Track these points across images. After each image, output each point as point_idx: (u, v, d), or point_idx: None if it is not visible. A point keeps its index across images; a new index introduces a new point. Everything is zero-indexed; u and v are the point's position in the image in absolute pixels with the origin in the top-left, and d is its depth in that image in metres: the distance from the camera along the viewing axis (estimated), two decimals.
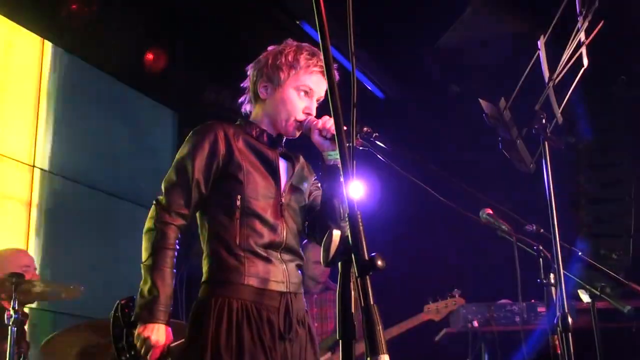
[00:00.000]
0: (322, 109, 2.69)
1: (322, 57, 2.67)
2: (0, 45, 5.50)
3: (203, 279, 2.65)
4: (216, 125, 2.70)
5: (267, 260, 2.60)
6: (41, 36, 5.77)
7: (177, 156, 2.70)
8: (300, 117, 2.71)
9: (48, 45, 5.83)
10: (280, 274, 2.62)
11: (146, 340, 2.50)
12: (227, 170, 2.63)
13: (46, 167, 5.69)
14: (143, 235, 2.64)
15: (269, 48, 2.84)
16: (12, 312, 3.48)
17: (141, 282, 2.57)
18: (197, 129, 2.72)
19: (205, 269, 2.66)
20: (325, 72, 1.49)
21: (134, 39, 6.18)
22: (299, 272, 2.73)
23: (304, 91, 2.73)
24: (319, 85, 2.74)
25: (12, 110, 5.56)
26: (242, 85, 2.89)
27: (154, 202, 2.67)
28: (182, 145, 2.73)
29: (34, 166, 5.58)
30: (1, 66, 5.49)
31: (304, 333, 2.65)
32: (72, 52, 5.99)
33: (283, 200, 2.67)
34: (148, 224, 2.64)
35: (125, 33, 6.06)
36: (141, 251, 2.63)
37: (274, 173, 2.69)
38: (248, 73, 2.85)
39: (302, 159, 2.87)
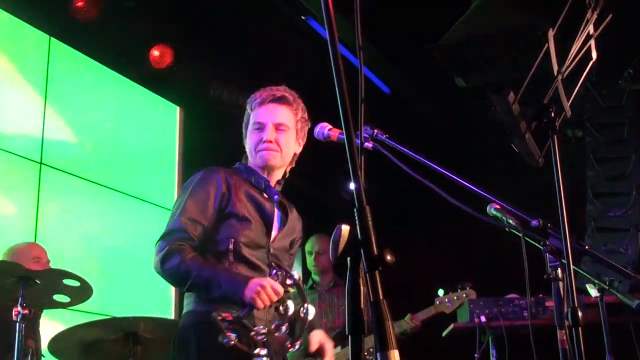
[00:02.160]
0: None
1: (274, 88, 2.94)
2: (8, 42, 5.50)
3: (187, 309, 2.83)
4: (220, 170, 2.88)
5: None
6: (48, 33, 5.77)
7: (182, 197, 2.84)
8: (259, 148, 2.91)
9: (54, 42, 5.83)
10: (263, 318, 2.73)
11: (261, 290, 2.56)
12: (225, 215, 2.79)
13: (52, 163, 5.69)
14: (161, 268, 2.71)
15: None
16: (19, 308, 3.47)
17: (200, 288, 2.69)
18: (200, 173, 2.88)
19: (189, 299, 2.84)
20: (333, 67, 1.47)
21: (139, 34, 6.18)
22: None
23: (258, 128, 2.93)
24: (269, 115, 2.91)
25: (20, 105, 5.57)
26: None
27: (160, 241, 2.75)
28: (185, 187, 2.88)
29: (41, 163, 5.58)
30: (8, 63, 5.49)
31: None
32: (77, 49, 5.99)
33: (272, 250, 2.86)
34: (160, 256, 2.71)
35: (131, 28, 6.06)
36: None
37: (269, 225, 2.87)
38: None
39: (295, 211, 3.06)
